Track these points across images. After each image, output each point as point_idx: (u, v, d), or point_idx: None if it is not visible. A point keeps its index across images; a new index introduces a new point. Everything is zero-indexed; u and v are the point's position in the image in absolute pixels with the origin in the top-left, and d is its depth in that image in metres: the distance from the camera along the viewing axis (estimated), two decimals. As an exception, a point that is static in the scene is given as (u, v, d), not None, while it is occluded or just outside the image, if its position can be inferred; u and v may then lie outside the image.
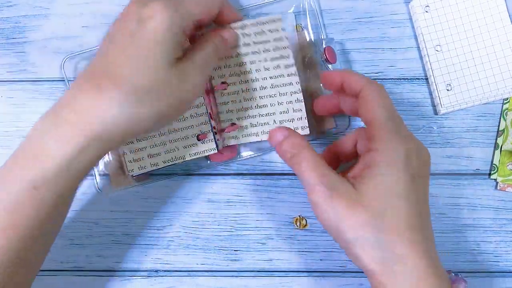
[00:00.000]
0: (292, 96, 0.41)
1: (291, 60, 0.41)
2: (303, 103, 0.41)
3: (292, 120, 0.42)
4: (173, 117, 0.35)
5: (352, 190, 0.33)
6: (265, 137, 0.42)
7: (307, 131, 0.41)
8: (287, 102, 0.42)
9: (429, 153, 0.36)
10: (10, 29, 0.45)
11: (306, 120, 0.41)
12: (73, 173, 0.31)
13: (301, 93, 0.41)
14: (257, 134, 0.42)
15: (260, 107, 0.42)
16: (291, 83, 0.41)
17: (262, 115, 0.42)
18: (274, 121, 0.42)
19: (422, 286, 0.32)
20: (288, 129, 0.37)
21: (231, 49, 0.41)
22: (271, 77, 0.41)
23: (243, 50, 0.41)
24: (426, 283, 0.32)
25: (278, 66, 0.41)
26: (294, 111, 0.41)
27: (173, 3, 0.33)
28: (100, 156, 0.33)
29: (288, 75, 0.41)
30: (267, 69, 0.41)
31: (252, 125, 0.42)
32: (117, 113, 0.31)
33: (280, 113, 0.42)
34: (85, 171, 0.32)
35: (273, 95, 0.42)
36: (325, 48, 0.43)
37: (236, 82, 0.42)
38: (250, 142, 0.43)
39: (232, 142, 0.43)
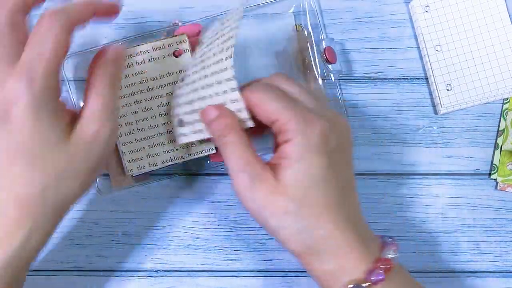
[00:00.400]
0: (226, 84, 0.35)
1: (229, 43, 0.35)
2: (239, 92, 0.35)
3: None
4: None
5: (272, 179, 0.33)
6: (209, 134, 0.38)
7: (250, 124, 0.36)
8: (223, 92, 0.36)
9: (346, 122, 0.36)
10: (10, 29, 0.45)
11: (246, 111, 0.35)
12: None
13: (235, 82, 0.35)
14: (201, 131, 0.38)
15: (200, 99, 0.37)
16: (224, 69, 0.35)
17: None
18: None
19: (347, 260, 0.34)
20: (221, 108, 0.35)
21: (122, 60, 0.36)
22: (202, 68, 0.37)
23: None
24: (351, 256, 0.34)
25: (221, 51, 0.36)
26: (231, 101, 0.36)
27: (26, 68, 0.29)
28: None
29: (215, 63, 0.36)
30: (209, 57, 0.37)
31: (196, 121, 0.38)
32: None
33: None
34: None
35: (209, 85, 0.36)
36: (325, 48, 0.43)
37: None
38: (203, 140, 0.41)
39: (183, 140, 0.40)
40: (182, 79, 0.40)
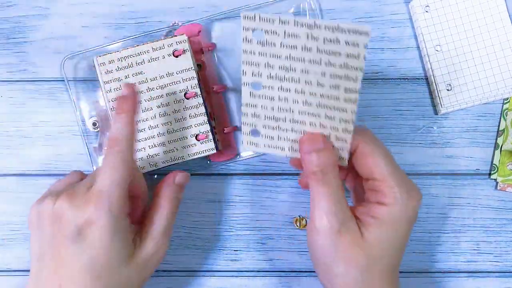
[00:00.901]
0: (341, 124, 0.34)
1: (357, 85, 0.32)
2: (351, 135, 0.34)
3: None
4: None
5: (358, 232, 0.34)
6: (291, 154, 0.36)
7: (345, 163, 0.35)
8: (332, 128, 0.34)
9: (421, 194, 0.36)
10: (10, 29, 0.45)
11: (348, 153, 0.34)
12: None
13: (352, 125, 0.33)
14: (282, 149, 0.36)
15: (296, 122, 0.35)
16: (344, 110, 0.33)
17: (295, 131, 0.35)
18: None
19: None
20: (327, 141, 0.35)
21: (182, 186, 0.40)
22: (322, 95, 0.33)
23: (299, 53, 0.32)
24: None
25: (336, 87, 0.32)
26: (337, 139, 0.34)
27: (104, 195, 0.33)
28: None
29: (345, 101, 0.33)
30: (321, 85, 0.33)
31: (280, 138, 0.36)
32: None
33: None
34: None
35: (316, 115, 0.34)
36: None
37: (274, 86, 0.34)
38: (266, 154, 0.40)
39: (251, 148, 0.37)
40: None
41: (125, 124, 0.35)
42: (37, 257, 0.35)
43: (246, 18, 0.31)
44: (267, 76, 0.34)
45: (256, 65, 0.33)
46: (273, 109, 0.35)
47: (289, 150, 0.36)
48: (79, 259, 0.33)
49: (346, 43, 0.31)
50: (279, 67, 0.33)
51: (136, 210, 0.38)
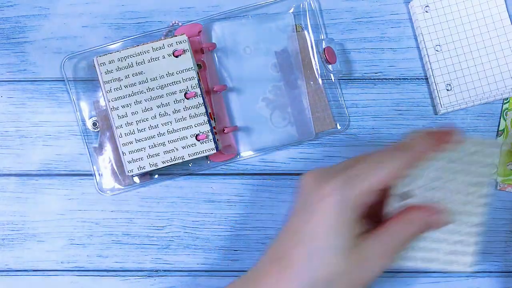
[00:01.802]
0: (468, 228, 0.35)
1: (486, 191, 0.34)
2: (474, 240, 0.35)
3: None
4: None
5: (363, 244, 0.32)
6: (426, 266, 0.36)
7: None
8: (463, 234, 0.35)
9: None
10: (10, 29, 0.45)
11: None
12: None
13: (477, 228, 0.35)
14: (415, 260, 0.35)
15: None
16: (474, 215, 0.35)
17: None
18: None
19: None
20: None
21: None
22: (463, 204, 0.35)
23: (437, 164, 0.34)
24: None
25: (470, 194, 0.35)
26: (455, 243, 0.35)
27: (348, 178, 0.32)
28: None
29: (477, 206, 0.35)
30: (458, 192, 0.35)
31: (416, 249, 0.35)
32: None
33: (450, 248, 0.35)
34: None
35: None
36: (324, 48, 0.43)
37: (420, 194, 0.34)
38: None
39: (410, 263, 0.35)
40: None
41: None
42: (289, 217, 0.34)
43: None
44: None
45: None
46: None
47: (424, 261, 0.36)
48: (312, 230, 0.32)
49: (482, 155, 0.35)
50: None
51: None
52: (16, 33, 0.45)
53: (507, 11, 0.45)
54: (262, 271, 0.33)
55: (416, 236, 0.33)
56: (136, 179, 0.43)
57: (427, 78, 0.45)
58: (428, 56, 0.44)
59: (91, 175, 0.43)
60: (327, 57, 0.43)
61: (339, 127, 0.44)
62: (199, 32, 0.43)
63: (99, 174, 0.43)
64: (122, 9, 0.45)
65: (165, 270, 0.44)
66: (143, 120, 0.41)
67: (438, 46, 0.44)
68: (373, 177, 0.31)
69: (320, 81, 0.44)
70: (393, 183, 0.33)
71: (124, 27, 0.45)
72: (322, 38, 0.44)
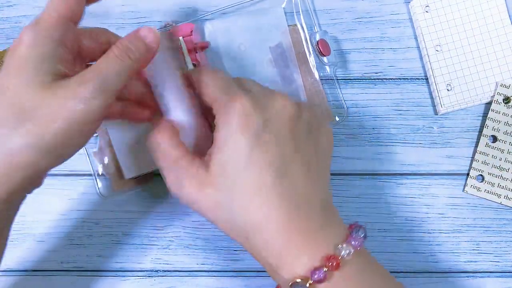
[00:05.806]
0: None
1: None
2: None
3: None
4: (71, 147, 0.30)
5: (202, 172, 0.31)
6: (505, 202, 0.42)
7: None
8: None
9: (282, 98, 0.32)
10: (10, 29, 0.45)
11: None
12: None
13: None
14: (499, 196, 0.42)
15: None
16: None
17: None
18: None
19: (288, 252, 0.30)
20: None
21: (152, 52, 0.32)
22: None
23: None
24: (292, 246, 0.30)
25: None
26: None
27: (37, 17, 0.31)
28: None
29: None
30: None
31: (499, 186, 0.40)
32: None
33: None
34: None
35: None
36: (318, 41, 0.43)
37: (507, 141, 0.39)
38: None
39: (472, 191, 0.40)
40: None
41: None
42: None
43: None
44: (504, 132, 0.42)
45: (497, 121, 0.43)
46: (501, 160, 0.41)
47: (504, 198, 0.42)
48: (12, 63, 0.30)
49: None
50: None
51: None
52: (16, 33, 0.45)
53: (507, 11, 0.45)
54: None
55: (126, 72, 0.30)
56: (136, 181, 0.43)
57: (427, 78, 0.45)
58: (428, 56, 0.44)
59: (91, 175, 0.43)
60: (320, 49, 0.43)
61: (337, 119, 0.44)
62: (191, 31, 0.43)
63: (99, 176, 0.43)
64: (122, 9, 0.45)
65: (165, 270, 0.44)
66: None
67: (438, 46, 0.44)
68: (54, 6, 0.32)
69: (316, 74, 0.44)
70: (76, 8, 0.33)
71: (124, 27, 0.45)
72: (316, 31, 0.44)
